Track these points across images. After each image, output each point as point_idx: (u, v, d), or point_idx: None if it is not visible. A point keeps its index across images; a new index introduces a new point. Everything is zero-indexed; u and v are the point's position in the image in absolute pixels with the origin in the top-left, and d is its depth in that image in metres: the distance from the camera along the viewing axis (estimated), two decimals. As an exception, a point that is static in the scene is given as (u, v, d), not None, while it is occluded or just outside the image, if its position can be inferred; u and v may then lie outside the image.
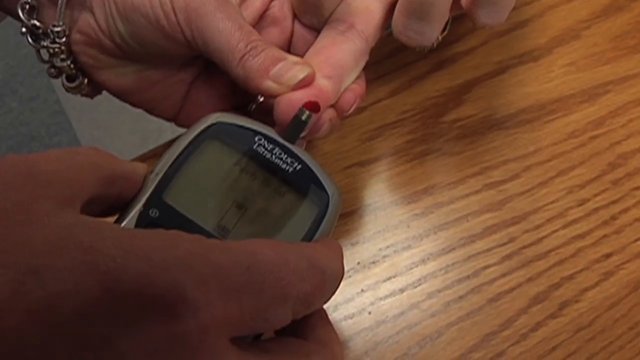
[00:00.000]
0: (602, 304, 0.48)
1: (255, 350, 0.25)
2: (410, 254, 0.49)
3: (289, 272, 0.25)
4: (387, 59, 0.54)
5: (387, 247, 0.49)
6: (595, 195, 0.51)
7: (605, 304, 0.48)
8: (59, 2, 0.39)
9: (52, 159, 0.23)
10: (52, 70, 0.42)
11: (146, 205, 0.33)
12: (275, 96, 0.37)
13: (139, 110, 0.46)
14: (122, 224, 0.32)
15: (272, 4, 0.43)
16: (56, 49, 0.41)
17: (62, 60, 0.41)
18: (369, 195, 0.50)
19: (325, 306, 0.45)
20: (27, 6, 0.40)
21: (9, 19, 0.44)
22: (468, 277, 0.49)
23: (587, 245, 0.50)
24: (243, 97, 0.44)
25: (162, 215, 0.33)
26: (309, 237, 0.35)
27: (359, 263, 0.49)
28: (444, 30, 0.42)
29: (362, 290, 0.48)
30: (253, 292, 0.23)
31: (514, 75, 0.55)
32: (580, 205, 0.51)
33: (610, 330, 0.47)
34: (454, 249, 0.49)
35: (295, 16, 0.43)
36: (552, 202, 0.51)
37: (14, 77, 1.75)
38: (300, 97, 0.37)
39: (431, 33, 0.40)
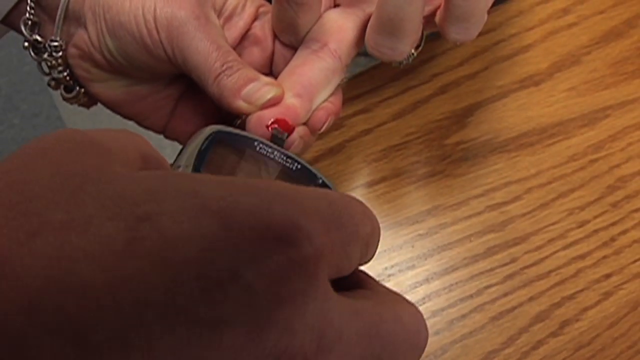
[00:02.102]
0: (601, 323, 0.49)
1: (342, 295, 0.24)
2: (415, 273, 0.50)
3: (356, 211, 0.25)
4: (392, 82, 0.56)
5: (392, 266, 0.50)
6: (595, 217, 0.53)
7: (605, 323, 0.49)
8: (57, 18, 0.42)
9: (101, 133, 0.24)
10: (52, 82, 0.45)
11: None
12: (247, 114, 0.39)
13: (141, 127, 0.48)
14: None
15: (254, 24, 0.45)
16: (54, 62, 0.43)
17: (60, 72, 0.44)
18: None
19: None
20: (29, 22, 0.42)
21: (11, 37, 0.46)
22: (471, 296, 0.50)
23: (587, 266, 0.51)
24: (227, 113, 0.46)
25: None
26: None
27: (364, 282, 0.50)
28: (418, 47, 0.44)
29: (367, 309, 0.49)
30: (338, 226, 0.23)
31: (515, 99, 0.56)
32: (581, 226, 0.52)
33: (609, 348, 0.48)
34: (457, 268, 0.50)
35: (275, 36, 0.44)
36: (553, 224, 0.52)
37: (16, 93, 1.77)
38: (269, 115, 0.39)
39: (403, 48, 0.41)
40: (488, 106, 0.56)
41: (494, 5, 0.58)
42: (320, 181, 0.37)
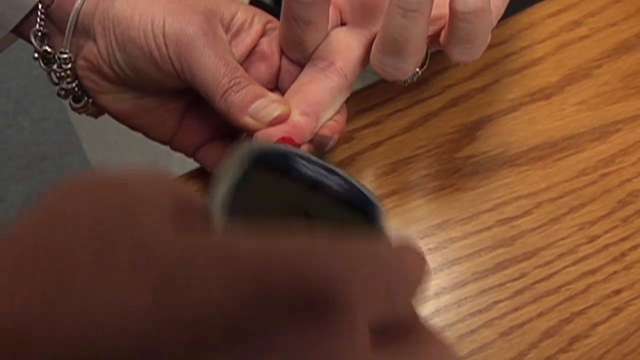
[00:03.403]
0: (611, 339, 0.49)
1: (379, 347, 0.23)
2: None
3: (403, 259, 0.24)
4: (402, 95, 0.56)
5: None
6: (606, 232, 0.52)
7: (614, 339, 0.49)
8: (67, 31, 0.42)
9: (132, 177, 0.23)
10: (62, 92, 0.46)
11: None
12: (253, 131, 0.40)
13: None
14: None
15: (261, 40, 0.45)
16: (63, 74, 0.44)
17: (69, 83, 0.45)
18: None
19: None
20: (40, 34, 0.43)
21: (21, 41, 0.46)
22: (480, 311, 0.50)
23: (598, 281, 0.51)
24: (234, 126, 0.46)
25: None
26: None
27: (374, 296, 0.50)
28: (423, 65, 0.44)
29: (376, 323, 0.49)
30: (377, 277, 0.22)
31: (526, 112, 0.56)
32: (591, 241, 0.52)
33: (619, 365, 0.48)
34: (467, 283, 0.50)
35: (282, 52, 0.45)
36: (563, 239, 0.52)
37: (26, 97, 1.77)
38: (276, 132, 0.40)
39: (407, 68, 0.42)
40: (498, 119, 0.56)
41: (504, 17, 0.58)
42: (365, 196, 0.37)
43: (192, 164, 0.51)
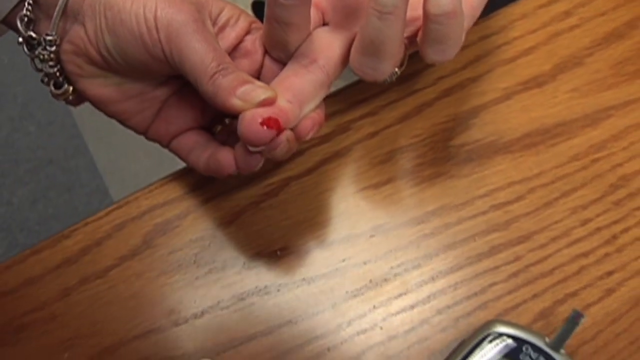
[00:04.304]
0: (604, 319, 0.50)
1: None
2: (420, 272, 0.51)
3: None
4: (397, 86, 0.57)
5: (398, 265, 0.51)
6: (598, 215, 0.53)
7: (607, 320, 0.50)
8: (55, 14, 0.44)
9: None
10: (45, 78, 0.47)
11: None
12: (239, 112, 0.41)
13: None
14: None
15: (245, 37, 0.47)
16: (46, 56, 0.45)
17: (51, 67, 0.46)
18: (380, 216, 0.53)
19: (339, 321, 0.47)
20: (26, 19, 0.44)
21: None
22: (476, 294, 0.51)
23: (590, 264, 0.52)
24: (211, 119, 0.49)
25: None
26: None
27: (371, 281, 0.51)
28: (402, 65, 0.46)
29: (374, 307, 0.50)
30: None
31: (519, 100, 0.57)
32: (583, 225, 0.53)
33: (612, 344, 0.49)
34: (462, 267, 0.51)
35: (265, 50, 0.46)
36: (556, 222, 0.53)
37: (32, 102, 1.79)
38: (262, 112, 0.41)
39: (384, 69, 0.43)
40: (492, 108, 0.57)
41: (497, 8, 0.59)
42: None
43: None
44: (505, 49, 0.59)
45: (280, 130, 0.41)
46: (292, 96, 0.42)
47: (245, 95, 0.41)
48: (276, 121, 0.40)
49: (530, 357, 0.44)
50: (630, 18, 0.60)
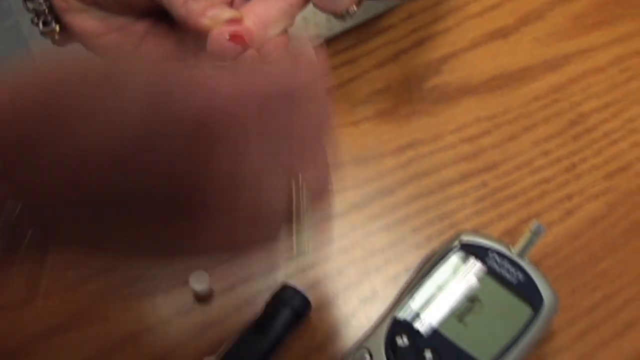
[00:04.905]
0: (564, 236, 0.55)
1: None
2: (396, 196, 0.56)
3: None
4: (376, 36, 0.63)
5: (376, 191, 0.56)
6: (558, 147, 0.59)
7: (567, 237, 0.55)
8: None
9: None
10: (35, 18, 0.52)
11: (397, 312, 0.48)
12: (209, 31, 0.46)
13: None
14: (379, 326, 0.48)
15: None
16: None
17: (40, 4, 0.50)
18: (360, 149, 0.58)
19: (322, 238, 0.52)
20: None
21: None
22: (447, 215, 0.56)
23: (551, 189, 0.57)
24: (184, 53, 0.54)
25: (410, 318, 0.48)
26: (521, 333, 0.47)
27: (351, 204, 0.56)
28: (359, 3, 0.50)
29: (353, 228, 0.55)
30: None
31: (486, 50, 0.63)
32: (545, 155, 0.58)
33: (571, 258, 0.54)
34: (434, 192, 0.56)
35: None
36: (520, 153, 0.58)
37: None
38: (229, 29, 0.45)
39: (341, 1, 0.48)
40: (461, 56, 0.62)
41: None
42: (539, 292, 0.48)
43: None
44: (473, 5, 0.65)
45: (245, 47, 0.46)
46: (257, 19, 0.47)
47: (214, 16, 0.45)
48: (242, 38, 0.45)
49: (496, 261, 0.49)
50: (588, -25, 0.66)
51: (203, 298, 0.52)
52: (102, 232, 0.31)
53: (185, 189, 0.29)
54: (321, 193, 0.37)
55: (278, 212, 0.34)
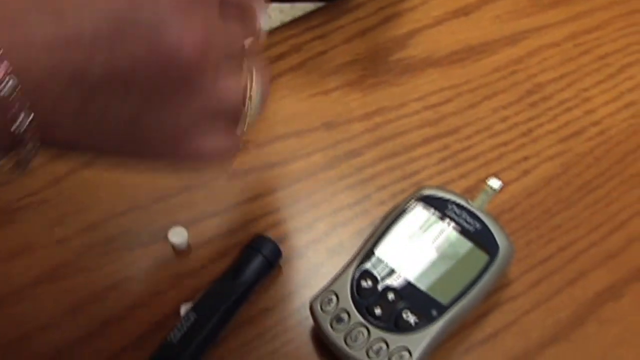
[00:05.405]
0: (521, 193, 0.59)
1: None
2: (363, 158, 0.60)
3: None
4: (345, 14, 0.67)
5: (344, 154, 0.60)
6: (516, 113, 0.63)
7: (523, 194, 0.59)
8: None
9: None
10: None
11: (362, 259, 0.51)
12: None
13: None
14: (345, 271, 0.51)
15: None
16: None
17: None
18: (330, 115, 0.62)
19: (295, 197, 0.55)
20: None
21: None
22: (410, 175, 0.59)
23: (509, 151, 0.61)
24: None
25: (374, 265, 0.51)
26: (478, 277, 0.50)
27: (321, 165, 0.59)
28: None
29: (322, 186, 0.59)
30: None
31: (448, 26, 0.67)
32: (504, 121, 0.62)
33: (527, 213, 0.58)
34: (399, 154, 0.60)
35: None
36: (480, 119, 0.62)
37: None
38: None
39: None
40: (425, 31, 0.67)
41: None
42: (494, 240, 0.52)
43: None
44: (437, -14, 0.69)
45: None
46: None
47: None
48: None
49: (455, 212, 0.52)
50: (543, -43, 0.70)
51: (181, 252, 0.55)
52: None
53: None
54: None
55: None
